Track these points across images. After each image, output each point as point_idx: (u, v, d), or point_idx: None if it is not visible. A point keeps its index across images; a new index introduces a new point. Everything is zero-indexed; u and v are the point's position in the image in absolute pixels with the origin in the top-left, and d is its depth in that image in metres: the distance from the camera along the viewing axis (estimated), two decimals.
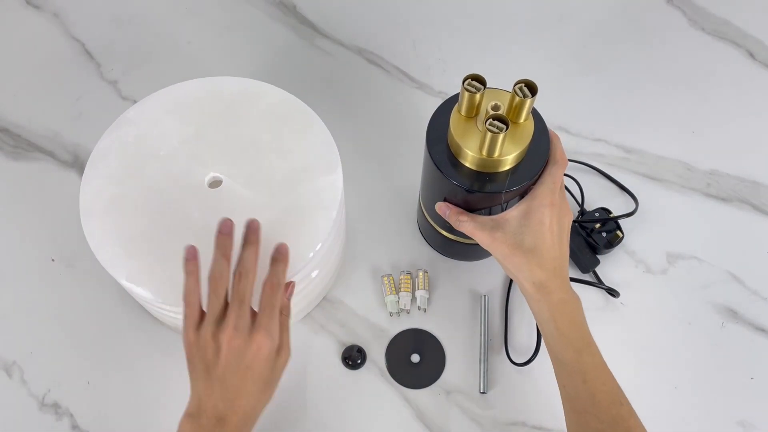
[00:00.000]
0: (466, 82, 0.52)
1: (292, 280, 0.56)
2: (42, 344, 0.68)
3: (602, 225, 0.72)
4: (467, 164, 0.54)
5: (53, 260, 0.72)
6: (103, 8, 0.91)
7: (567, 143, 0.80)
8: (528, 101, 0.51)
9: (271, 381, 0.53)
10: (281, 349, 0.53)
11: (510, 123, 0.50)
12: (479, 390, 0.65)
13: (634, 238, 0.73)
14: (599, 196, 0.76)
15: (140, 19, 0.90)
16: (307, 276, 0.61)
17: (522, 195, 0.56)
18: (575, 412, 0.54)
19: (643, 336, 0.69)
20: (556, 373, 0.56)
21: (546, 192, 0.54)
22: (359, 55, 0.87)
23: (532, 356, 0.65)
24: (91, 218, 0.59)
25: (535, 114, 0.56)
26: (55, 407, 0.65)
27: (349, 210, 0.74)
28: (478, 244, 0.62)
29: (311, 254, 0.58)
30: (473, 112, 0.54)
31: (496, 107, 0.51)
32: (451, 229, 0.64)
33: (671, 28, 0.91)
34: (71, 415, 0.64)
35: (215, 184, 0.61)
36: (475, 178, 0.54)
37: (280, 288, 0.53)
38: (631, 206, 0.74)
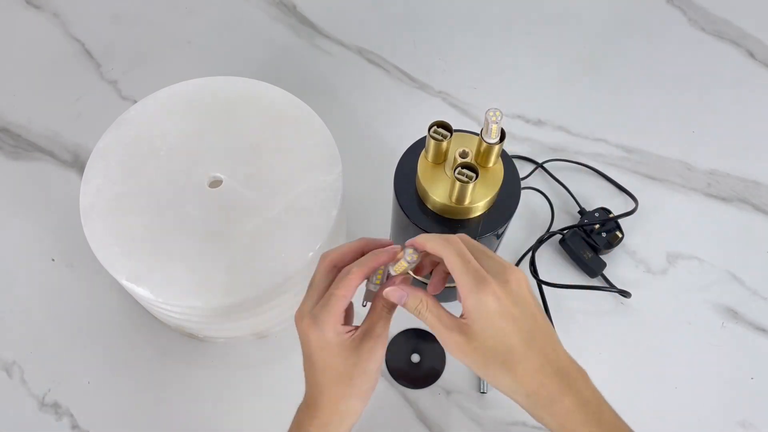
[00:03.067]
0: (432, 130, 0.50)
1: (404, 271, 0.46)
2: (42, 344, 0.67)
3: (602, 225, 0.72)
4: (437, 211, 0.52)
5: (53, 260, 0.72)
6: (103, 8, 0.91)
7: (567, 143, 0.80)
8: (496, 147, 0.49)
9: (351, 376, 0.45)
10: (363, 338, 0.45)
11: (479, 169, 0.48)
12: (479, 390, 0.65)
13: (634, 238, 0.73)
14: (599, 196, 0.76)
15: (140, 19, 0.90)
16: (307, 276, 0.61)
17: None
18: None
19: (643, 336, 0.69)
20: None
21: (465, 280, 0.41)
22: (359, 55, 0.87)
23: None
24: (91, 218, 0.59)
25: (505, 156, 0.53)
26: (55, 407, 0.65)
27: (349, 210, 0.74)
28: (453, 286, 0.61)
29: (311, 254, 0.58)
30: (441, 158, 0.52)
31: (464, 154, 0.49)
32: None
33: (671, 28, 0.91)
34: (71, 415, 0.64)
35: (215, 184, 0.61)
36: (445, 225, 0.52)
37: (347, 278, 0.44)
38: (631, 206, 0.74)
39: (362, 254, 0.47)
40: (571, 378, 0.42)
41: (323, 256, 0.47)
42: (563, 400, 0.41)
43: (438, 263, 0.47)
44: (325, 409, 0.46)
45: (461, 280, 0.41)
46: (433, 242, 0.43)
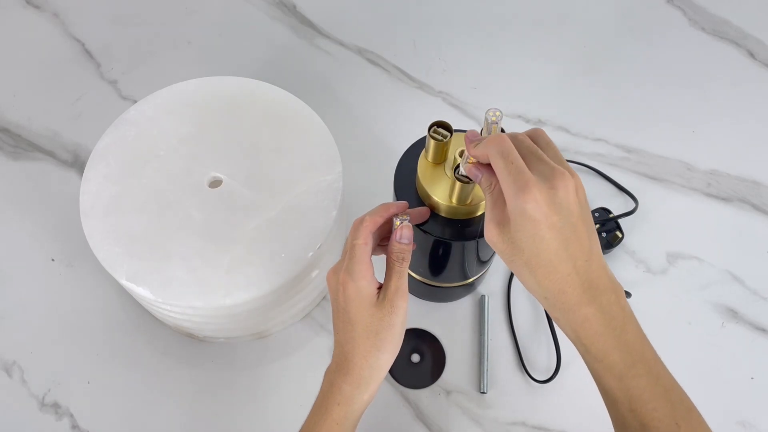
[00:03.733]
0: (432, 130, 0.50)
1: (406, 222, 0.49)
2: (42, 344, 0.67)
3: (602, 225, 0.72)
4: (437, 211, 0.52)
5: (53, 260, 0.72)
6: (103, 8, 0.91)
7: (567, 143, 0.80)
8: None
9: (374, 329, 0.47)
10: (385, 294, 0.47)
11: None
12: (479, 390, 0.65)
13: (634, 238, 0.73)
14: (599, 197, 0.76)
15: (140, 19, 0.90)
16: (307, 276, 0.61)
17: None
18: None
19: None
20: (602, 397, 0.45)
21: (507, 183, 0.40)
22: (359, 55, 0.87)
23: (554, 373, 0.64)
24: (91, 218, 0.59)
25: None
26: (55, 407, 0.65)
27: (349, 210, 0.74)
28: (453, 287, 0.61)
29: (311, 254, 0.58)
30: (441, 158, 0.52)
31: (463, 154, 0.49)
32: (425, 273, 0.63)
33: (671, 28, 0.91)
34: (71, 415, 0.64)
35: (215, 184, 0.61)
36: (446, 226, 0.52)
37: (361, 226, 0.48)
38: (631, 206, 0.74)
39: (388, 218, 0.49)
40: (598, 291, 0.41)
41: (355, 223, 0.49)
42: (582, 309, 0.41)
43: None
44: (357, 365, 0.48)
45: (503, 183, 0.40)
46: (480, 145, 0.42)
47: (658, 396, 0.43)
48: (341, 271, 0.47)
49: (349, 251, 0.48)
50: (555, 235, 0.40)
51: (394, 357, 0.49)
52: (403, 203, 0.50)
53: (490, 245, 0.43)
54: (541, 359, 0.67)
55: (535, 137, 0.43)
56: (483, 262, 0.61)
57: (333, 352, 0.50)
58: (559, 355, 0.65)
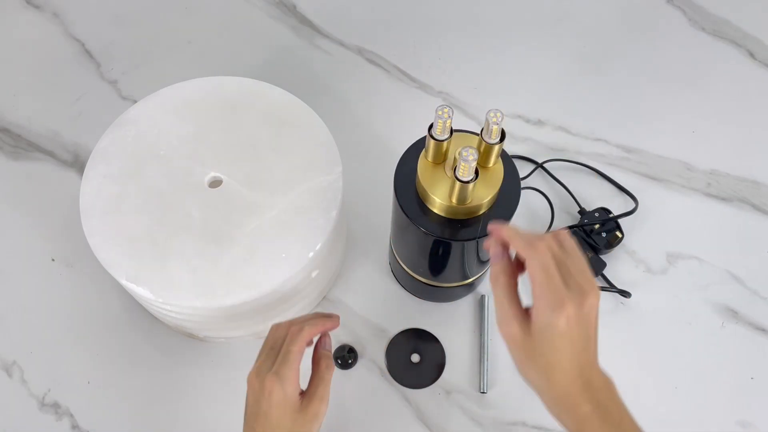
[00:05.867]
0: (431, 130, 0.50)
1: (327, 332, 0.55)
2: (42, 344, 0.68)
3: (602, 225, 0.72)
4: (437, 211, 0.52)
5: (53, 260, 0.72)
6: (103, 8, 0.91)
7: (567, 143, 0.80)
8: (496, 147, 0.49)
9: None
10: (310, 400, 0.50)
11: (479, 169, 0.48)
12: (480, 390, 0.65)
13: (634, 238, 0.73)
14: (599, 197, 0.76)
15: (140, 19, 0.90)
16: (307, 276, 0.61)
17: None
18: None
19: (643, 336, 0.69)
20: None
21: (545, 297, 0.42)
22: (359, 55, 0.87)
23: None
24: (91, 218, 0.59)
25: (504, 155, 0.53)
26: (55, 407, 0.65)
27: (349, 210, 0.74)
28: (453, 287, 0.60)
29: (311, 254, 0.58)
30: (441, 158, 0.52)
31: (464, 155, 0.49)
32: (425, 273, 0.63)
33: (671, 28, 0.91)
34: (71, 415, 0.64)
35: (215, 184, 0.61)
36: (446, 225, 0.52)
37: (300, 334, 0.50)
38: (631, 206, 0.74)
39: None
40: (595, 389, 0.43)
41: (274, 327, 0.53)
42: (583, 407, 0.43)
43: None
44: None
45: (541, 294, 0.42)
46: (521, 243, 0.44)
47: None
48: (268, 375, 0.48)
49: (282, 356, 0.49)
50: (573, 346, 0.42)
51: None
52: (335, 319, 0.54)
53: (508, 345, 0.44)
54: None
55: (561, 241, 0.44)
56: (483, 262, 0.61)
57: None
58: None
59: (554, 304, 0.41)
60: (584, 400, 0.43)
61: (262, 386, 0.48)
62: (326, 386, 0.51)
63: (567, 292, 0.41)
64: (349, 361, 0.66)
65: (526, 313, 0.43)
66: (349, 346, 0.66)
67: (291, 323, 0.52)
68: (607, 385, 0.44)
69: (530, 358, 0.43)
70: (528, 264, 0.43)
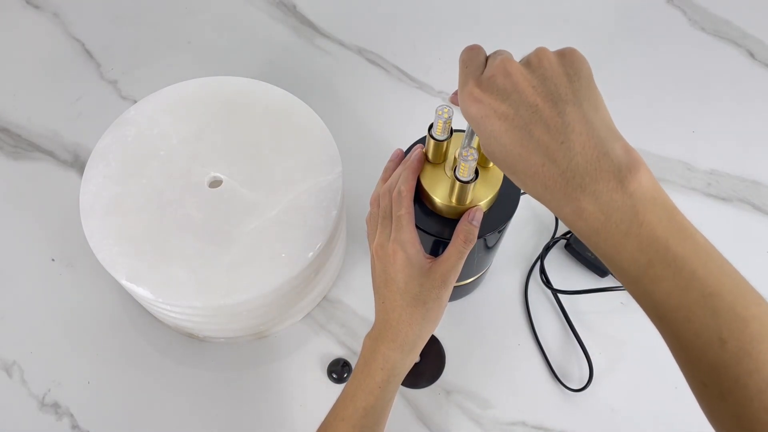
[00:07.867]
0: (431, 130, 0.50)
1: (479, 207, 0.49)
2: (42, 344, 0.67)
3: None
4: (437, 211, 0.52)
5: (53, 260, 0.72)
6: (103, 8, 0.91)
7: None
8: None
9: (423, 299, 0.48)
10: (438, 264, 0.48)
11: (479, 169, 0.48)
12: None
13: None
14: None
15: (140, 19, 0.90)
16: (308, 276, 0.61)
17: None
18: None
19: (643, 335, 0.69)
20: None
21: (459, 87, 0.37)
22: (359, 55, 0.87)
23: (587, 383, 0.64)
24: (91, 218, 0.59)
25: None
26: (55, 407, 0.65)
27: (349, 210, 0.74)
28: (453, 287, 0.61)
29: (311, 254, 0.58)
30: (440, 158, 0.52)
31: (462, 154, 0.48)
32: None
33: (671, 28, 0.91)
34: (71, 415, 0.64)
35: (215, 184, 0.61)
36: (446, 225, 0.52)
37: (401, 197, 0.49)
38: None
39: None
40: (589, 177, 0.33)
41: (374, 200, 0.52)
42: (571, 204, 0.34)
43: None
44: (402, 332, 0.49)
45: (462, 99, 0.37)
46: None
47: (691, 302, 0.34)
48: (389, 242, 0.48)
49: (395, 222, 0.49)
50: (510, 124, 0.34)
51: (435, 328, 0.51)
52: (418, 154, 0.50)
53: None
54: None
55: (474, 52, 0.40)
56: (483, 262, 0.61)
57: (375, 319, 0.52)
58: (552, 362, 0.65)
59: (459, 90, 0.38)
60: (572, 195, 0.34)
61: (385, 253, 0.49)
62: (458, 255, 0.48)
63: (469, 74, 0.38)
64: (345, 375, 0.65)
65: None
66: (343, 360, 0.66)
67: (388, 189, 0.50)
68: (617, 169, 0.35)
69: (493, 163, 0.40)
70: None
